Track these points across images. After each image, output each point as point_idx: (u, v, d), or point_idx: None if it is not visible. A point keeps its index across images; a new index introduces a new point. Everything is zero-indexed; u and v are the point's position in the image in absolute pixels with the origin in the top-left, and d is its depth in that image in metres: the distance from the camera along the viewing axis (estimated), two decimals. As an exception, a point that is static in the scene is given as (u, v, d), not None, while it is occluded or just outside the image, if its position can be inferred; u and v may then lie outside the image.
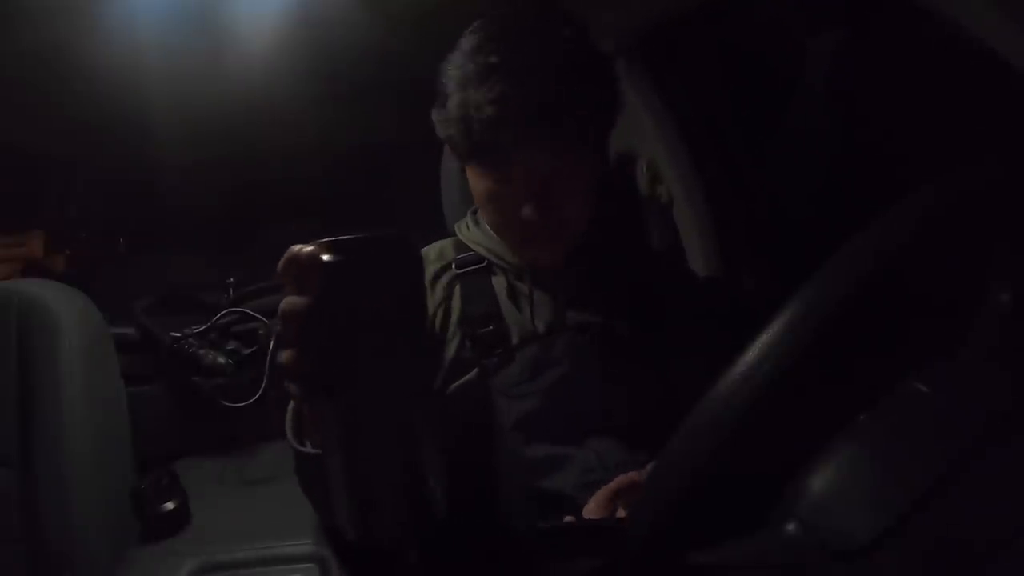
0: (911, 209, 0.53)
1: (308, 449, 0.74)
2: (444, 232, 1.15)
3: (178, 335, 1.46)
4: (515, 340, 0.99)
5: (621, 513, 0.83)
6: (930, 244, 0.53)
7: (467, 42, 0.91)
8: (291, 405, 0.79)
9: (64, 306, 1.14)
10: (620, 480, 0.85)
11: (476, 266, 1.04)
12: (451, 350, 1.01)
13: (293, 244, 0.57)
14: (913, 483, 0.46)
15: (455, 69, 0.90)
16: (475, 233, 1.07)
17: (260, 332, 1.49)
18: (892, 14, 1.00)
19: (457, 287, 1.03)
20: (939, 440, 0.48)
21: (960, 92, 0.94)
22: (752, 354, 0.51)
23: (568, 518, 0.87)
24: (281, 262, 0.56)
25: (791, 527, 0.48)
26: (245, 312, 1.51)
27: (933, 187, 0.53)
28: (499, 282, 1.03)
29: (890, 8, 0.99)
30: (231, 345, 1.47)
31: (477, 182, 0.96)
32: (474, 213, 1.11)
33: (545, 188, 0.91)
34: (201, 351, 1.43)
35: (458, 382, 0.99)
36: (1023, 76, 0.61)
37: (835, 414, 0.52)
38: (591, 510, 0.84)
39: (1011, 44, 0.62)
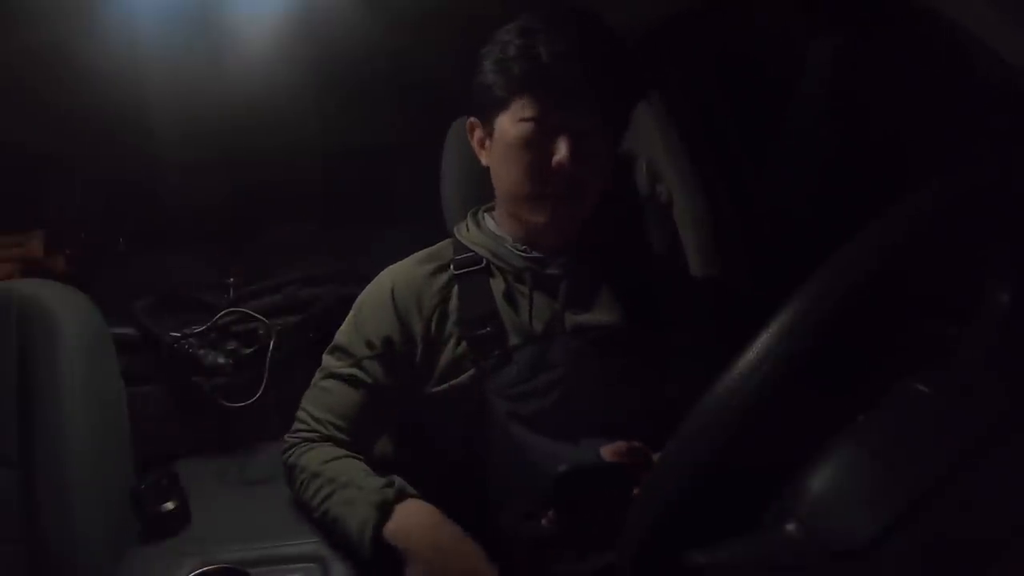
0: (910, 209, 0.53)
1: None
2: (444, 232, 1.15)
3: (178, 335, 1.46)
4: (512, 342, 0.99)
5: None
6: (929, 244, 0.53)
7: (527, 12, 0.98)
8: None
9: (64, 306, 1.14)
10: (636, 443, 0.87)
11: (474, 267, 1.04)
12: (448, 351, 1.01)
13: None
14: (913, 483, 0.46)
15: (516, 25, 0.97)
16: (475, 234, 1.07)
17: (260, 332, 1.49)
18: (892, 14, 1.00)
19: (455, 289, 1.03)
20: (939, 440, 0.48)
21: (960, 92, 0.94)
22: (751, 354, 0.51)
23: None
24: None
25: (791, 527, 0.48)
26: (245, 312, 1.51)
27: (932, 187, 0.53)
28: (497, 283, 1.03)
29: (890, 8, 0.99)
30: (231, 345, 1.47)
31: (512, 128, 0.97)
32: (474, 215, 1.11)
33: (578, 140, 0.94)
34: (201, 351, 1.43)
35: (452, 383, 0.99)
36: (1022, 76, 0.61)
37: (835, 414, 0.52)
38: (608, 451, 0.85)
39: (1011, 44, 0.62)
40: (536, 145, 0.95)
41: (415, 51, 1.43)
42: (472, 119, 1.05)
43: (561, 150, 0.93)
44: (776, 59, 1.27)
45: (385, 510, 0.92)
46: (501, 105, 0.97)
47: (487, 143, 1.03)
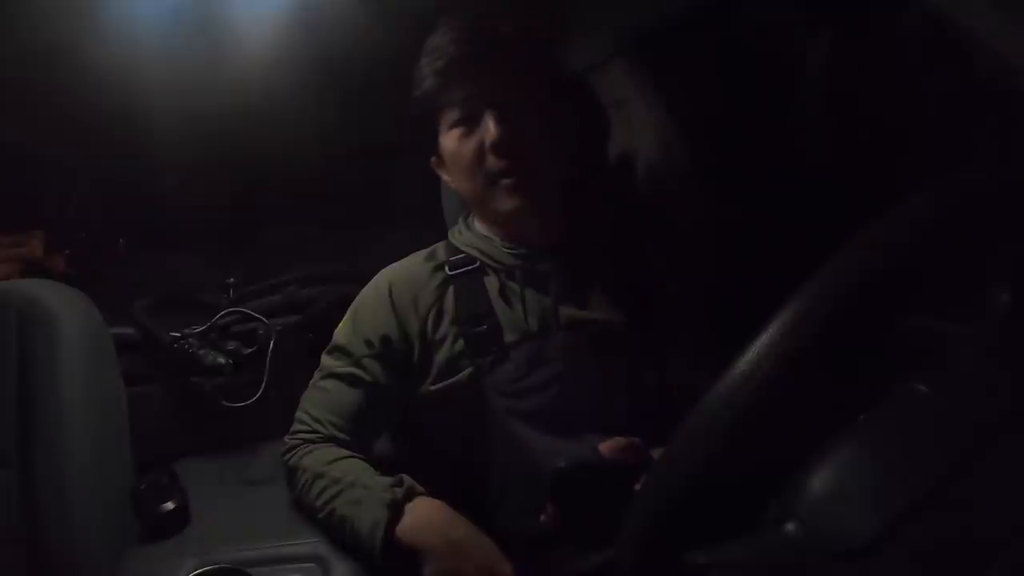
0: (910, 209, 0.53)
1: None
2: (444, 232, 1.16)
3: (178, 335, 1.46)
4: (509, 339, 1.00)
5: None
6: (929, 244, 0.53)
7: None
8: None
9: (64, 306, 1.14)
10: (633, 440, 0.87)
11: (468, 267, 1.05)
12: (445, 350, 1.01)
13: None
14: (913, 483, 0.46)
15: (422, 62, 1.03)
16: (467, 236, 1.09)
17: (260, 332, 1.49)
18: (891, 13, 1.00)
19: (450, 289, 1.04)
20: (939, 440, 0.48)
21: (960, 92, 0.94)
22: (752, 354, 0.51)
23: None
24: None
25: (791, 527, 0.48)
26: (245, 312, 1.51)
27: (934, 187, 0.54)
28: (491, 282, 1.04)
29: (889, 7, 0.99)
30: (231, 345, 1.47)
31: (449, 139, 1.02)
32: (465, 219, 1.13)
33: (505, 116, 0.97)
34: (201, 351, 1.43)
35: (450, 381, 1.00)
36: (1022, 76, 0.61)
37: (835, 414, 0.52)
38: (607, 447, 0.86)
39: (1011, 44, 0.62)
40: (471, 139, 1.00)
41: (415, 51, 1.43)
42: (433, 159, 1.10)
43: (489, 127, 0.97)
44: (775, 58, 1.27)
45: (396, 509, 0.92)
46: (436, 128, 1.03)
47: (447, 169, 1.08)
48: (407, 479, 0.97)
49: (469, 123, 0.99)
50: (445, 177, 1.10)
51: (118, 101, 1.48)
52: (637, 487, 0.79)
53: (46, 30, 1.33)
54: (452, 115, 1.00)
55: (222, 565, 0.93)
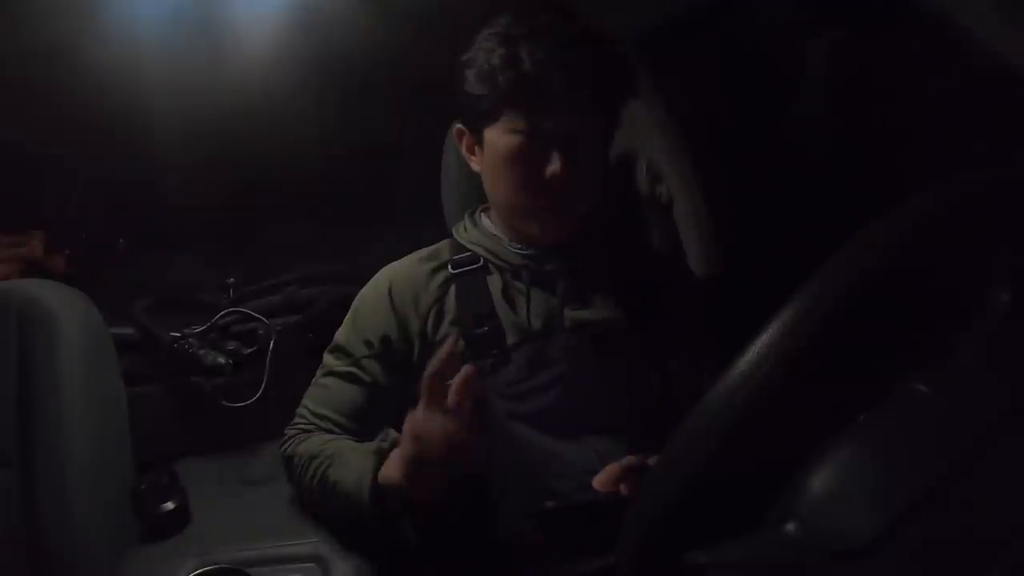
0: (912, 209, 0.53)
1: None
2: (444, 232, 1.16)
3: (178, 335, 1.46)
4: (511, 340, 0.99)
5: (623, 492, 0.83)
6: (930, 244, 0.53)
7: (506, 16, 0.96)
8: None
9: (64, 306, 1.14)
10: (630, 460, 0.85)
11: (472, 266, 1.04)
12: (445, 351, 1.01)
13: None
14: (913, 483, 0.46)
15: (497, 32, 0.95)
16: (472, 233, 1.08)
17: (260, 332, 1.49)
18: (892, 13, 1.00)
19: (452, 288, 1.04)
20: (939, 440, 0.48)
21: (959, 92, 0.94)
22: (752, 354, 0.51)
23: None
24: None
25: (791, 527, 0.48)
26: (245, 312, 1.51)
27: (935, 187, 0.53)
28: (495, 282, 1.03)
29: (890, 7, 0.99)
30: (231, 345, 1.47)
31: (501, 140, 0.96)
32: (471, 215, 1.11)
33: (571, 148, 0.93)
34: (201, 351, 1.43)
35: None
36: (1023, 76, 0.61)
37: (835, 414, 0.52)
38: (599, 482, 0.84)
39: (1011, 44, 0.62)
40: (528, 157, 0.94)
41: (415, 51, 1.44)
42: (459, 126, 1.05)
43: (554, 162, 0.93)
44: (777, 58, 1.27)
45: (382, 455, 0.90)
46: (488, 117, 0.96)
47: (476, 151, 1.02)
48: (393, 432, 0.95)
49: (533, 137, 0.94)
50: (464, 153, 1.05)
51: (118, 101, 1.48)
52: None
53: (46, 30, 1.33)
54: (518, 123, 0.94)
55: (222, 565, 0.93)
